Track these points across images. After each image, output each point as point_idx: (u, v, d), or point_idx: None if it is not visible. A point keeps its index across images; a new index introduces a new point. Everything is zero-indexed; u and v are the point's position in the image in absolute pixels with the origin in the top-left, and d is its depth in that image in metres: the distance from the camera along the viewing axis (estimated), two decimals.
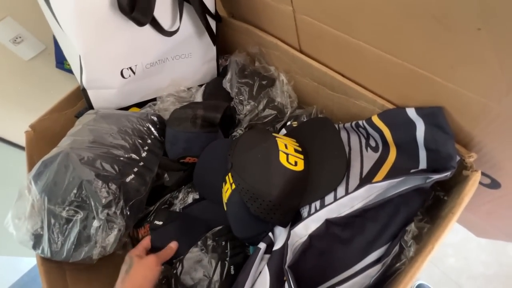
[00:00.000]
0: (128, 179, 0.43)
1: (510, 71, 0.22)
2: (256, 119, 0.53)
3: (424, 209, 0.36)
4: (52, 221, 0.40)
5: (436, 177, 0.30)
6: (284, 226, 0.41)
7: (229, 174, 0.43)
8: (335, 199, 0.38)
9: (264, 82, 0.58)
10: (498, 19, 0.20)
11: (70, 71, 0.86)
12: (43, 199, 0.40)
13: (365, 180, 0.37)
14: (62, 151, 0.41)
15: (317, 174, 0.42)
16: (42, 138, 0.60)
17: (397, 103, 0.38)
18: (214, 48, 0.61)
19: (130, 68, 0.51)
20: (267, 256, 0.42)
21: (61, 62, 0.85)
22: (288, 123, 0.52)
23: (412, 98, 0.35)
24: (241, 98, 0.57)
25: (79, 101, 0.64)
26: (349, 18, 0.33)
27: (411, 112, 0.35)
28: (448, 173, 0.30)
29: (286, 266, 0.35)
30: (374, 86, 0.39)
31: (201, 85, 0.64)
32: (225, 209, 0.45)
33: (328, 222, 0.37)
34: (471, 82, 0.26)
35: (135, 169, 0.46)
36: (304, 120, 0.52)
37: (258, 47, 0.57)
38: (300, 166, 0.43)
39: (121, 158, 0.45)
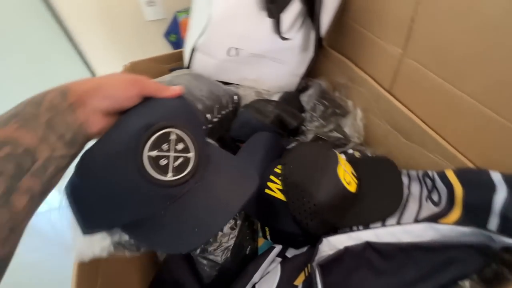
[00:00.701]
0: None
1: None
2: (323, 134, 0.55)
3: (480, 279, 0.33)
4: None
5: (509, 241, 0.29)
6: (314, 236, 0.40)
7: (278, 167, 0.44)
8: (383, 225, 0.36)
9: (337, 111, 0.61)
10: None
11: (172, 43, 0.99)
12: None
13: (426, 221, 0.36)
14: (165, 82, 0.46)
15: (367, 203, 0.42)
16: None
17: (479, 164, 0.37)
18: (305, 66, 0.67)
19: (237, 49, 0.58)
20: (279, 259, 0.41)
21: (169, 33, 0.99)
22: (351, 151, 0.53)
23: (500, 162, 0.35)
24: (313, 114, 0.60)
25: (174, 62, 0.73)
26: (462, 70, 0.36)
27: (496, 176, 0.34)
28: None
29: (315, 263, 0.33)
30: (458, 141, 0.40)
31: (278, 92, 0.69)
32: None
33: (368, 245, 0.35)
34: None
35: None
36: (368, 155, 0.53)
37: (346, 78, 0.62)
38: (353, 188, 0.43)
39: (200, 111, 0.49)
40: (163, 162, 0.26)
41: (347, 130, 0.59)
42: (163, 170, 0.26)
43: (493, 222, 0.34)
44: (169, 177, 0.26)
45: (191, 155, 0.28)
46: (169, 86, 0.30)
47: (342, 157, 0.46)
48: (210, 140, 0.39)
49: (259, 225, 0.47)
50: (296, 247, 0.43)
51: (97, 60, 0.98)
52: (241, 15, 0.52)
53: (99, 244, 0.37)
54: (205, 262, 0.41)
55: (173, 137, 0.27)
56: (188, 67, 0.60)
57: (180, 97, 0.31)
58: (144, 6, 0.89)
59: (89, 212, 0.28)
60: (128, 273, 0.44)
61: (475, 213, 0.36)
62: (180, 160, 0.27)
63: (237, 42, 0.57)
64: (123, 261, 0.42)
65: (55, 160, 0.22)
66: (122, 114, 0.27)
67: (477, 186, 0.36)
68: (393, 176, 0.45)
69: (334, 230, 0.43)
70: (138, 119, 0.26)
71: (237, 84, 0.65)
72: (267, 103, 0.55)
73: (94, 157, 0.25)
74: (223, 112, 0.54)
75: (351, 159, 0.52)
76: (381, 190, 0.43)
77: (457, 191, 0.38)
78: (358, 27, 0.57)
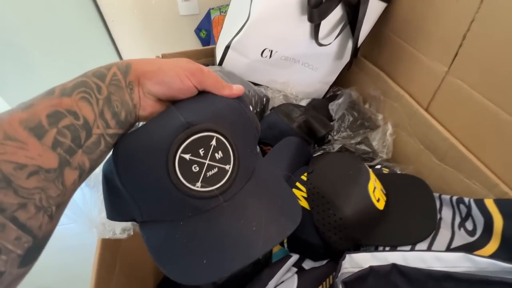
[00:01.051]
0: None
1: None
2: (350, 146, 0.54)
3: None
4: None
5: None
6: (335, 250, 0.39)
7: (305, 174, 0.42)
8: (413, 249, 0.34)
9: (366, 123, 0.59)
10: None
11: (201, 39, 1.00)
12: None
13: (462, 251, 0.34)
14: None
15: (396, 223, 0.40)
16: None
17: None
18: (336, 74, 0.66)
19: (271, 51, 0.57)
20: (294, 269, 0.40)
21: (200, 29, 1.00)
22: (378, 166, 0.51)
23: None
24: (341, 124, 0.58)
25: (205, 58, 0.73)
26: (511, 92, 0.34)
27: None
28: None
29: (338, 280, 0.32)
30: (503, 170, 0.38)
31: (307, 98, 0.68)
32: None
33: (395, 267, 0.33)
34: None
35: None
36: (397, 172, 0.51)
37: (380, 92, 0.60)
38: (381, 205, 0.41)
39: None
40: (195, 168, 0.23)
41: (374, 144, 0.57)
42: (193, 177, 0.23)
43: None
44: (197, 186, 0.23)
45: (229, 167, 0.25)
46: (230, 84, 0.28)
47: (373, 173, 0.44)
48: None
49: None
50: (314, 259, 0.42)
51: (127, 49, 1.00)
52: (280, 17, 0.51)
53: (120, 225, 0.38)
54: None
55: (213, 142, 0.24)
56: (220, 64, 0.60)
57: (238, 99, 0.28)
58: (180, 0, 0.90)
59: (115, 199, 0.27)
60: (144, 262, 0.44)
61: None
62: (214, 170, 0.24)
63: (273, 44, 0.56)
64: (141, 250, 0.42)
65: (107, 137, 0.22)
66: (173, 103, 0.26)
67: None
68: (425, 197, 0.43)
69: (357, 247, 0.41)
70: (182, 115, 0.23)
71: (266, 86, 0.64)
72: (296, 107, 0.54)
73: (127, 146, 0.24)
74: (252, 111, 0.53)
75: (378, 175, 0.50)
76: (412, 211, 0.41)
77: (497, 222, 0.36)
78: (398, 40, 0.55)
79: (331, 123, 0.60)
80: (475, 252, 0.36)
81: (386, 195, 0.44)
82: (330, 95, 0.71)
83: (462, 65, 0.42)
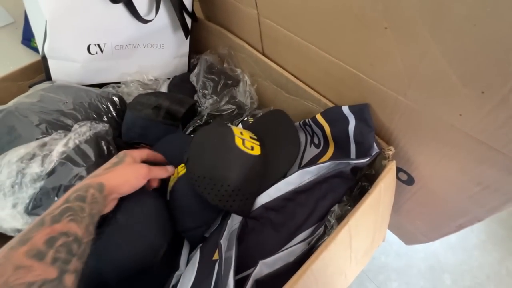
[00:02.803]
0: None
1: (410, 65, 0.28)
2: (216, 111, 0.56)
3: (351, 198, 0.40)
4: None
5: (354, 162, 0.34)
6: (245, 215, 0.39)
7: (180, 165, 0.43)
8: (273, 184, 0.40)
9: (229, 82, 0.62)
10: (399, 18, 0.26)
11: (36, 49, 0.84)
12: None
13: (301, 168, 0.40)
14: (5, 109, 0.40)
15: (274, 160, 0.43)
16: None
17: (336, 102, 0.43)
18: (187, 44, 0.65)
19: (98, 45, 0.52)
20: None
21: (28, 39, 0.83)
22: (246, 118, 0.55)
23: (346, 96, 0.40)
24: (204, 92, 0.59)
25: (38, 75, 0.62)
26: (299, 20, 0.39)
27: (345, 109, 0.39)
28: (365, 159, 0.34)
29: (222, 240, 0.35)
30: (319, 86, 0.45)
31: (169, 78, 0.66)
32: (168, 198, 0.43)
33: (264, 208, 0.38)
34: (386, 78, 0.31)
35: None
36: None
37: (227, 48, 0.61)
38: (257, 151, 0.43)
39: (70, 128, 0.44)
40: None
41: (241, 98, 0.60)
42: None
43: (353, 148, 0.40)
44: None
45: None
46: (163, 168, 0.41)
47: (237, 127, 0.47)
48: None
49: None
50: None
51: None
52: (81, 7, 0.45)
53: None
54: None
55: None
56: (48, 79, 0.52)
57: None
58: None
59: None
60: None
61: (341, 145, 0.42)
62: None
63: (95, 37, 0.51)
64: None
65: (90, 241, 0.28)
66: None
67: (337, 122, 0.41)
68: (287, 124, 0.47)
69: None
70: None
71: (119, 83, 0.60)
72: (149, 95, 0.52)
73: None
74: (104, 119, 0.49)
75: (247, 126, 0.54)
76: (281, 143, 0.44)
77: (327, 130, 0.43)
78: None
79: (196, 94, 0.60)
80: (321, 158, 0.44)
81: (257, 139, 0.46)
82: (193, 66, 0.70)
83: (264, 5, 0.45)
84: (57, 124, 0.42)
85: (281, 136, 0.46)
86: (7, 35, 0.79)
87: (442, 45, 0.23)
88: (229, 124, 0.48)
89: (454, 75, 0.24)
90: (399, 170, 0.40)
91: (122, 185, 0.33)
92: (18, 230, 0.35)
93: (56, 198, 0.36)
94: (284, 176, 0.41)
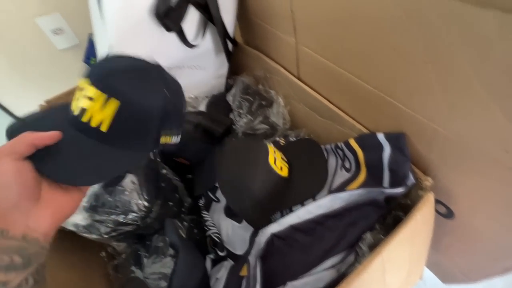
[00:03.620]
0: None
1: (451, 99, 0.28)
2: (249, 130, 0.58)
3: (384, 227, 0.39)
4: None
5: (388, 191, 0.34)
6: (260, 227, 0.41)
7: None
8: (302, 205, 0.40)
9: (263, 102, 0.65)
10: (440, 55, 0.26)
11: None
12: None
13: (331, 192, 0.41)
14: None
15: (299, 184, 0.45)
16: None
17: (371, 128, 0.43)
18: (226, 66, 0.69)
19: None
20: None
21: (88, 57, 0.95)
22: (277, 139, 0.57)
23: (382, 123, 0.40)
24: (240, 111, 0.63)
25: None
26: (337, 49, 0.41)
27: (380, 136, 0.40)
28: (400, 189, 0.34)
29: (251, 257, 0.36)
30: (354, 112, 0.45)
31: (207, 97, 0.71)
32: None
33: (292, 228, 0.39)
34: (424, 109, 0.31)
35: None
36: (292, 139, 0.57)
37: (263, 71, 0.65)
38: (285, 173, 0.45)
39: None
40: None
41: (274, 118, 0.62)
42: None
43: (386, 176, 0.39)
44: None
45: None
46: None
47: (271, 146, 0.49)
48: None
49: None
50: None
51: (13, 103, 0.91)
52: (140, 35, 0.52)
53: None
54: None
55: None
56: None
57: None
58: (51, 36, 0.83)
59: None
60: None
61: (374, 171, 0.42)
62: None
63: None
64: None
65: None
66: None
67: (371, 148, 0.42)
68: (317, 153, 0.49)
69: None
70: None
71: None
72: (190, 113, 0.56)
73: None
74: None
75: (278, 147, 0.56)
76: (309, 171, 0.47)
77: (360, 155, 0.43)
78: (259, 21, 0.60)
79: (231, 113, 0.64)
80: (352, 183, 0.44)
81: (288, 162, 0.49)
82: (229, 86, 0.75)
83: (302, 34, 0.48)
84: None
85: (310, 165, 0.48)
86: (72, 54, 0.91)
87: (486, 82, 0.24)
88: (266, 142, 0.50)
89: (499, 111, 0.24)
90: (437, 202, 0.38)
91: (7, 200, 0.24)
92: (76, 225, 0.39)
93: (109, 197, 0.40)
94: (314, 199, 0.41)
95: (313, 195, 0.43)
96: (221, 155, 0.47)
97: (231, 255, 0.46)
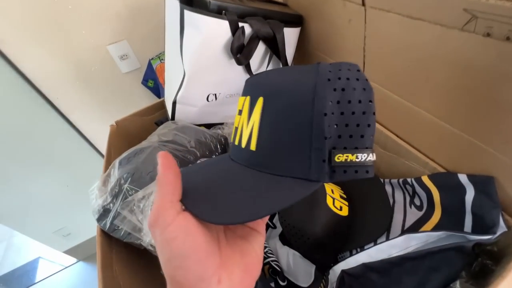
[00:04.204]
0: None
1: None
2: None
3: (470, 274, 0.37)
4: (123, 203, 0.47)
5: (477, 238, 0.33)
6: (323, 267, 0.42)
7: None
8: (375, 244, 0.40)
9: None
10: None
11: (150, 88, 1.03)
12: (126, 180, 0.47)
13: (406, 232, 0.40)
14: (152, 145, 0.50)
15: (361, 222, 0.45)
16: (121, 134, 0.71)
17: (448, 168, 0.42)
18: None
19: (215, 94, 0.62)
20: None
21: (146, 80, 1.03)
22: None
23: (464, 165, 0.39)
24: None
25: (157, 111, 0.76)
26: (412, 88, 0.41)
27: (463, 178, 0.39)
28: (489, 236, 0.32)
29: None
30: (427, 150, 0.45)
31: None
32: None
33: (365, 266, 0.38)
34: None
35: None
36: None
37: None
38: (345, 212, 0.46)
39: (190, 164, 0.52)
40: None
41: None
42: None
43: (468, 220, 0.38)
44: None
45: None
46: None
47: (328, 185, 0.49)
48: None
49: None
50: None
51: (81, 122, 1.01)
52: (213, 66, 0.56)
53: None
54: None
55: None
56: (172, 119, 0.64)
57: None
58: (118, 61, 0.92)
59: None
60: None
61: (452, 213, 0.40)
62: None
63: (214, 89, 0.61)
64: None
65: None
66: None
67: (450, 188, 0.40)
68: (377, 188, 0.49)
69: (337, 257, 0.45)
70: None
71: (221, 124, 0.69)
72: None
73: None
74: (213, 156, 0.57)
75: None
76: (370, 209, 0.46)
77: (435, 194, 0.42)
78: (321, 54, 0.62)
79: None
80: (426, 223, 0.42)
81: (347, 199, 0.49)
82: None
83: (372, 71, 0.49)
84: (184, 161, 0.51)
85: (372, 201, 0.47)
86: (133, 77, 0.99)
87: None
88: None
89: None
90: None
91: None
92: (153, 245, 0.42)
93: None
94: (387, 238, 0.41)
95: (375, 239, 0.42)
96: None
97: (293, 286, 0.46)
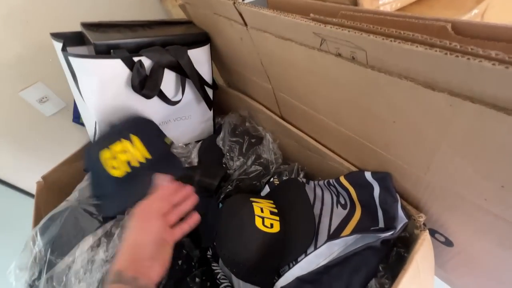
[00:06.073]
0: None
1: (423, 154, 0.29)
2: (244, 174, 0.59)
3: (388, 266, 0.39)
4: (50, 273, 0.44)
5: (382, 235, 0.35)
6: (267, 286, 0.42)
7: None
8: (306, 255, 0.41)
9: (253, 140, 0.66)
10: (406, 119, 0.27)
11: (83, 124, 0.97)
12: (46, 251, 0.44)
13: (332, 236, 0.41)
14: (70, 206, 0.47)
15: (292, 234, 0.45)
16: (51, 189, 0.66)
17: (359, 166, 0.44)
18: (210, 111, 0.71)
19: None
20: None
21: (77, 117, 0.96)
22: (271, 179, 0.58)
23: (369, 163, 0.41)
24: (231, 155, 0.64)
25: None
26: (309, 99, 0.42)
27: (368, 175, 0.41)
28: (390, 233, 0.35)
29: None
30: (339, 151, 0.46)
31: (198, 141, 0.72)
32: None
33: (299, 280, 0.39)
34: (403, 158, 0.32)
35: None
36: (286, 176, 0.58)
37: (247, 111, 0.66)
38: (276, 228, 0.45)
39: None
40: None
41: (266, 155, 0.63)
42: None
43: (380, 214, 0.40)
44: None
45: None
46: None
47: (259, 200, 0.49)
48: None
49: None
50: None
51: (13, 176, 0.93)
52: (123, 104, 0.53)
53: None
54: None
55: None
56: None
57: None
58: (37, 105, 0.85)
59: None
60: None
61: (369, 209, 0.42)
62: None
63: None
64: None
65: None
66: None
67: (361, 186, 0.42)
68: (301, 197, 0.48)
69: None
70: None
71: None
72: (188, 172, 0.57)
73: None
74: None
75: (272, 190, 0.56)
76: (298, 219, 0.47)
77: (352, 192, 0.44)
78: (237, 68, 0.61)
79: (224, 157, 0.65)
80: (350, 222, 0.44)
81: (277, 213, 0.49)
82: (219, 125, 0.76)
83: (276, 83, 0.49)
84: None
85: (298, 210, 0.48)
86: (61, 117, 0.93)
87: (453, 145, 0.25)
88: (251, 199, 0.49)
89: (470, 168, 0.25)
90: (434, 232, 0.39)
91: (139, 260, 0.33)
92: None
93: None
94: (315, 247, 0.42)
95: (305, 250, 0.42)
96: (217, 233, 0.47)
97: None
